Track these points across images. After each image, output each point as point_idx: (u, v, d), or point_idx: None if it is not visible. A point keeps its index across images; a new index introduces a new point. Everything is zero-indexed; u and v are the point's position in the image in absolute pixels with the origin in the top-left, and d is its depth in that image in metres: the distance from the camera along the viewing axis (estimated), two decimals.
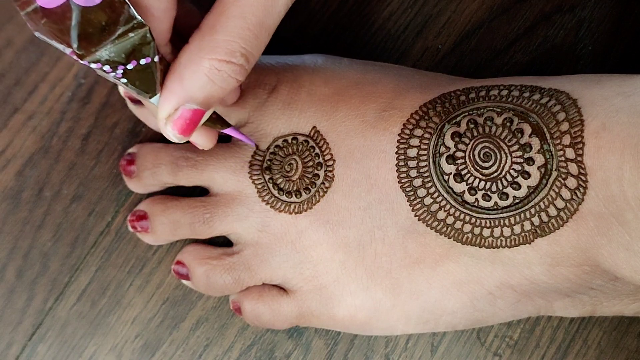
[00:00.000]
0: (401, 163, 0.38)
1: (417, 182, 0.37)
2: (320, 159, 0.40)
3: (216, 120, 0.37)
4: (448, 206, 0.37)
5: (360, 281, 0.40)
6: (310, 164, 0.40)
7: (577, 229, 0.35)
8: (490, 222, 0.36)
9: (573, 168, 0.35)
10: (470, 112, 0.37)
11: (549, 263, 0.36)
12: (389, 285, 0.39)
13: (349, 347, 0.44)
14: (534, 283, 0.38)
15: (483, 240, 0.37)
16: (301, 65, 0.42)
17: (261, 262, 0.41)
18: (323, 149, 0.40)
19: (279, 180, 0.40)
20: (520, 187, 0.36)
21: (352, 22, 0.46)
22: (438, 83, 0.40)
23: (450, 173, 0.37)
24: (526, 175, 0.36)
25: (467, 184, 0.37)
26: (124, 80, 0.33)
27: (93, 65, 0.32)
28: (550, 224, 0.35)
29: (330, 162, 0.39)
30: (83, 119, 0.44)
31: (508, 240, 0.36)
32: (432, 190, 0.37)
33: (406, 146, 0.38)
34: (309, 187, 0.40)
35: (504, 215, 0.36)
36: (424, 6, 0.46)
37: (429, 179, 0.37)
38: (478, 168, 0.36)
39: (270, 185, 0.40)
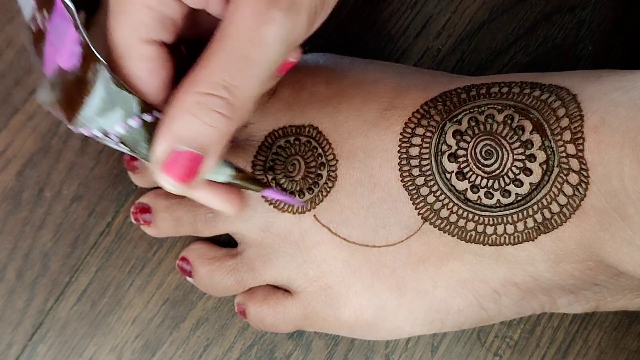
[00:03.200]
0: (403, 162, 0.38)
1: (420, 180, 0.37)
2: (323, 159, 0.40)
3: (250, 181, 0.36)
4: (451, 204, 0.37)
5: (365, 280, 0.40)
6: (313, 164, 0.40)
7: (580, 225, 0.35)
8: (493, 220, 0.37)
9: (574, 164, 0.35)
10: (472, 110, 0.37)
11: (553, 260, 0.36)
12: (394, 284, 0.39)
13: (349, 348, 0.44)
14: (538, 280, 0.38)
15: (486, 238, 0.37)
16: (302, 65, 0.42)
17: (265, 263, 0.41)
18: (325, 149, 0.40)
19: (282, 181, 0.40)
20: (522, 184, 0.36)
21: (353, 22, 0.46)
22: (439, 81, 0.40)
23: (453, 171, 0.37)
24: (528, 172, 0.36)
25: (469, 182, 0.37)
26: (122, 146, 0.32)
27: (83, 131, 0.32)
28: (553, 221, 0.36)
29: (333, 162, 0.39)
30: None
31: (511, 237, 0.36)
32: (434, 188, 0.37)
33: (408, 145, 0.38)
34: (312, 187, 0.40)
35: (507, 212, 0.36)
36: (425, 7, 0.46)
37: (431, 177, 0.37)
38: (480, 166, 0.36)
39: (273, 186, 0.40)
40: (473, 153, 0.37)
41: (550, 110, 0.36)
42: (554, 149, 0.35)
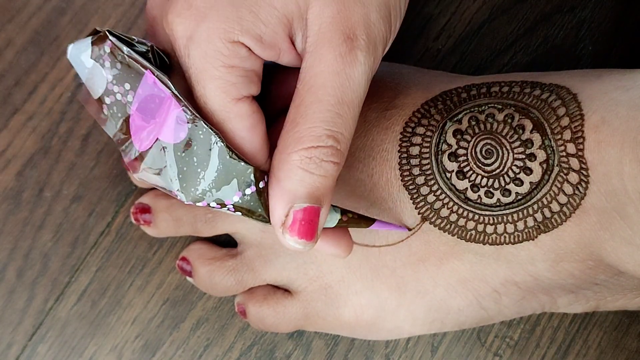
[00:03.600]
0: (404, 161, 0.38)
1: (420, 180, 0.37)
2: None
3: (356, 221, 0.36)
4: (451, 203, 0.37)
5: (365, 280, 0.40)
6: None
7: (580, 224, 0.35)
8: (494, 219, 0.37)
9: (574, 163, 0.35)
10: (472, 109, 0.37)
11: (553, 259, 0.36)
12: (394, 284, 0.39)
13: (349, 348, 0.44)
14: (538, 279, 0.38)
15: (487, 237, 0.37)
16: None
17: (264, 263, 0.41)
18: None
19: None
20: (522, 183, 0.36)
21: None
22: (439, 81, 0.40)
23: (453, 170, 0.37)
24: (528, 171, 0.36)
25: (469, 181, 0.37)
26: (239, 213, 0.33)
27: (199, 204, 0.32)
28: (553, 220, 0.36)
29: None
30: (83, 120, 0.44)
31: (511, 236, 0.36)
32: (434, 188, 0.37)
33: (408, 144, 0.38)
34: None
35: (507, 212, 0.36)
36: (425, 7, 0.46)
37: (431, 176, 0.37)
38: (480, 165, 0.36)
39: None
40: (473, 152, 0.37)
41: (550, 110, 0.36)
42: (554, 148, 0.35)
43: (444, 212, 0.37)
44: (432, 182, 0.37)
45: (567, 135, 0.35)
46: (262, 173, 0.32)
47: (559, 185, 0.35)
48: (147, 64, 0.32)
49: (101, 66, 0.32)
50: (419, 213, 0.38)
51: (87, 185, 0.44)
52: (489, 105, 0.37)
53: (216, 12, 0.31)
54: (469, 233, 0.37)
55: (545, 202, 0.35)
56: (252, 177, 0.32)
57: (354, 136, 0.39)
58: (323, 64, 0.31)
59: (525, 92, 0.37)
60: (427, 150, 0.38)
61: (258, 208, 0.33)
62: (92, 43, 0.32)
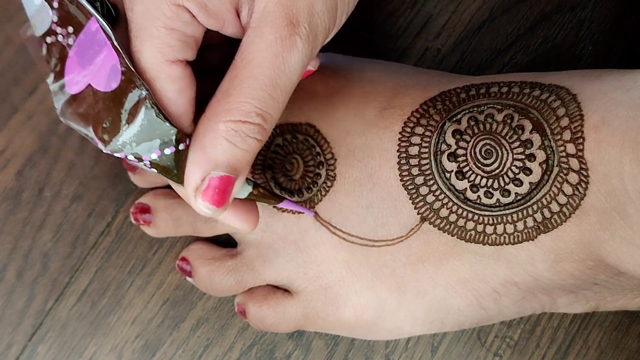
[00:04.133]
0: (403, 161, 0.38)
1: (419, 180, 0.37)
2: (322, 158, 0.40)
3: (266, 196, 0.37)
4: (450, 204, 0.37)
5: (365, 280, 0.40)
6: (312, 163, 0.40)
7: (580, 224, 0.35)
8: (493, 219, 0.37)
9: (574, 163, 0.35)
10: (471, 110, 0.37)
11: (553, 259, 0.36)
12: (394, 283, 0.39)
13: (349, 348, 0.44)
14: (538, 280, 0.38)
15: (486, 238, 0.37)
16: None
17: (264, 263, 0.41)
18: (324, 148, 0.40)
19: (281, 179, 0.40)
20: (522, 183, 0.36)
21: (352, 22, 0.46)
22: (438, 81, 0.40)
23: (452, 170, 0.37)
24: (528, 171, 0.36)
25: (469, 182, 0.37)
26: (154, 170, 0.33)
27: (117, 155, 0.32)
28: (552, 220, 0.35)
29: (332, 161, 0.39)
30: None
31: (511, 237, 0.36)
32: (434, 188, 0.37)
33: (407, 144, 0.38)
34: (311, 186, 0.40)
35: (507, 212, 0.36)
36: (425, 6, 0.46)
37: (430, 176, 0.37)
38: (479, 165, 0.36)
39: (272, 184, 0.40)
40: (473, 152, 0.37)
41: (550, 110, 0.36)
42: (554, 148, 0.35)
43: (444, 212, 0.37)
44: (432, 182, 0.37)
45: (567, 135, 0.35)
46: (184, 136, 0.32)
47: (558, 186, 0.35)
48: (94, 12, 0.32)
49: (49, 6, 0.33)
50: (418, 213, 0.38)
51: (87, 184, 0.44)
52: (489, 106, 0.37)
53: None
54: (469, 233, 0.37)
55: (545, 203, 0.35)
56: (174, 138, 0.32)
57: (353, 135, 0.39)
58: (263, 43, 0.31)
59: (524, 93, 0.37)
60: (426, 150, 0.37)
61: (174, 169, 0.33)
62: None
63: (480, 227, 0.37)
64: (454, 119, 0.37)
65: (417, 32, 0.46)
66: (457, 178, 0.37)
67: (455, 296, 0.39)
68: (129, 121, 0.31)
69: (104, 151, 0.32)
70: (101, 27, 0.32)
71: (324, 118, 0.40)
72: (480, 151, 0.37)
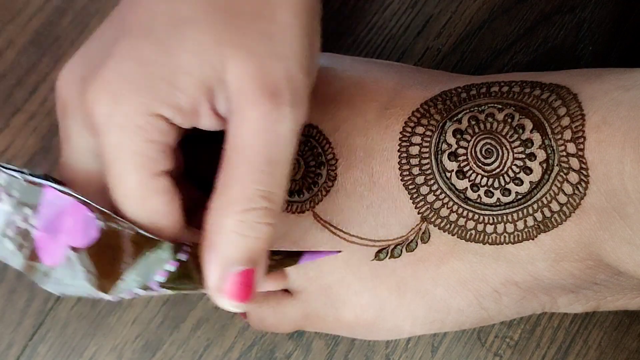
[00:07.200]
0: (403, 161, 0.38)
1: (420, 179, 0.37)
2: (323, 158, 0.40)
3: (284, 261, 0.36)
4: (451, 203, 0.37)
5: (365, 280, 0.40)
6: (313, 163, 0.40)
7: (580, 224, 0.35)
8: (494, 219, 0.37)
9: (574, 163, 0.35)
10: (472, 109, 0.37)
11: (553, 259, 0.36)
12: (394, 283, 0.39)
13: (350, 348, 0.44)
14: (538, 279, 0.38)
15: (487, 237, 0.37)
16: None
17: None
18: (325, 148, 0.40)
19: None
20: (522, 182, 0.36)
21: (353, 22, 0.46)
22: (439, 80, 0.40)
23: (453, 170, 0.37)
24: (528, 170, 0.36)
25: (469, 181, 0.37)
26: (165, 290, 0.32)
27: (125, 295, 0.32)
28: (553, 219, 0.36)
29: (333, 162, 0.39)
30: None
31: (511, 236, 0.36)
32: (434, 187, 0.37)
33: (408, 144, 0.38)
34: (311, 186, 0.40)
35: (507, 211, 0.36)
36: (425, 6, 0.46)
37: (431, 176, 0.37)
38: (480, 164, 0.36)
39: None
40: (473, 152, 0.37)
41: (550, 109, 0.36)
42: (554, 147, 0.35)
43: (444, 211, 0.37)
44: (432, 181, 0.37)
45: (568, 135, 0.35)
46: (179, 245, 0.32)
47: (558, 185, 0.35)
48: (44, 181, 0.31)
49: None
50: (418, 213, 0.38)
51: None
52: (489, 105, 0.37)
53: (134, 87, 0.30)
54: (469, 233, 0.37)
55: (545, 202, 0.35)
56: (170, 252, 0.32)
57: (354, 135, 0.39)
58: (248, 124, 0.31)
59: (525, 92, 0.37)
60: (427, 149, 0.38)
61: (187, 281, 0.32)
62: None
63: (480, 227, 0.37)
64: (455, 118, 0.37)
65: (418, 32, 0.46)
66: (458, 177, 0.37)
67: (455, 296, 0.39)
68: (125, 260, 0.31)
69: (112, 300, 0.32)
70: (57, 190, 0.31)
71: (325, 118, 0.40)
72: (480, 150, 0.37)
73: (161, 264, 0.32)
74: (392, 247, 0.38)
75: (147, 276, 0.32)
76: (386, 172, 0.38)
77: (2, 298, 0.43)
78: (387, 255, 0.39)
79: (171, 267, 0.32)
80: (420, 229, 0.38)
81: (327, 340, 0.44)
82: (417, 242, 0.38)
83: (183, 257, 0.32)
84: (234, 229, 0.31)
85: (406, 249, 0.38)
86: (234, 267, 0.32)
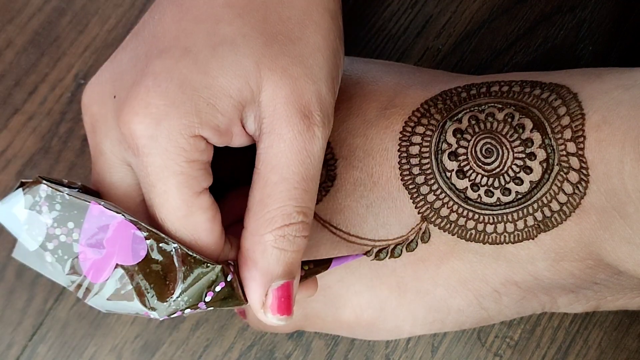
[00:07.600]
0: (403, 161, 0.38)
1: (420, 179, 0.37)
2: None
3: (315, 270, 0.37)
4: (451, 203, 0.37)
5: (365, 280, 0.40)
6: None
7: (580, 223, 0.35)
8: (494, 218, 0.37)
9: (574, 162, 0.35)
10: (472, 109, 0.37)
11: (553, 258, 0.36)
12: (394, 283, 0.39)
13: (349, 348, 0.44)
14: (538, 279, 0.38)
15: (487, 237, 0.37)
16: None
17: None
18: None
19: None
20: (522, 182, 0.36)
21: (352, 22, 0.46)
22: (439, 80, 0.40)
23: (453, 170, 0.37)
24: (528, 170, 0.36)
25: (469, 180, 0.37)
26: (211, 308, 0.33)
27: (174, 316, 0.33)
28: (553, 219, 0.36)
29: (332, 161, 0.39)
30: (83, 120, 0.44)
31: (511, 236, 0.36)
32: (434, 187, 0.37)
33: (408, 144, 0.38)
34: None
35: (507, 211, 0.36)
36: (425, 7, 0.46)
37: (431, 176, 0.37)
38: (480, 164, 0.36)
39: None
40: (473, 151, 0.37)
41: (550, 109, 0.36)
42: (554, 147, 0.35)
43: (444, 211, 0.37)
44: (432, 181, 0.37)
45: (568, 134, 0.35)
46: (228, 267, 0.33)
47: (558, 184, 0.35)
48: (89, 197, 0.32)
49: (38, 213, 0.32)
50: (418, 212, 0.38)
51: (87, 185, 0.44)
52: (489, 105, 0.37)
53: (176, 108, 0.31)
54: (469, 232, 0.37)
55: (545, 201, 0.35)
56: (220, 275, 0.32)
57: (353, 135, 0.39)
58: (283, 143, 0.32)
59: (525, 92, 0.37)
60: (427, 149, 0.38)
61: (231, 299, 0.33)
62: (25, 192, 0.32)
63: (480, 226, 0.37)
64: (455, 118, 0.37)
65: (418, 32, 0.46)
66: (458, 177, 0.37)
67: (455, 296, 0.39)
68: (175, 280, 0.32)
69: (160, 319, 0.32)
70: (104, 206, 0.32)
71: None
72: (480, 150, 0.37)
73: (211, 285, 0.32)
74: (392, 246, 0.38)
75: (198, 297, 0.32)
76: (386, 172, 0.38)
77: (2, 298, 0.43)
78: (387, 255, 0.39)
79: (218, 287, 0.32)
80: (420, 228, 0.38)
81: (326, 340, 0.44)
82: (417, 242, 0.38)
83: (229, 276, 0.33)
84: (275, 244, 0.33)
85: (406, 249, 0.38)
86: (276, 282, 0.33)
